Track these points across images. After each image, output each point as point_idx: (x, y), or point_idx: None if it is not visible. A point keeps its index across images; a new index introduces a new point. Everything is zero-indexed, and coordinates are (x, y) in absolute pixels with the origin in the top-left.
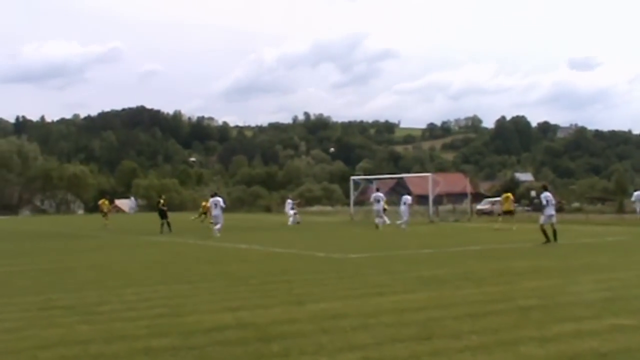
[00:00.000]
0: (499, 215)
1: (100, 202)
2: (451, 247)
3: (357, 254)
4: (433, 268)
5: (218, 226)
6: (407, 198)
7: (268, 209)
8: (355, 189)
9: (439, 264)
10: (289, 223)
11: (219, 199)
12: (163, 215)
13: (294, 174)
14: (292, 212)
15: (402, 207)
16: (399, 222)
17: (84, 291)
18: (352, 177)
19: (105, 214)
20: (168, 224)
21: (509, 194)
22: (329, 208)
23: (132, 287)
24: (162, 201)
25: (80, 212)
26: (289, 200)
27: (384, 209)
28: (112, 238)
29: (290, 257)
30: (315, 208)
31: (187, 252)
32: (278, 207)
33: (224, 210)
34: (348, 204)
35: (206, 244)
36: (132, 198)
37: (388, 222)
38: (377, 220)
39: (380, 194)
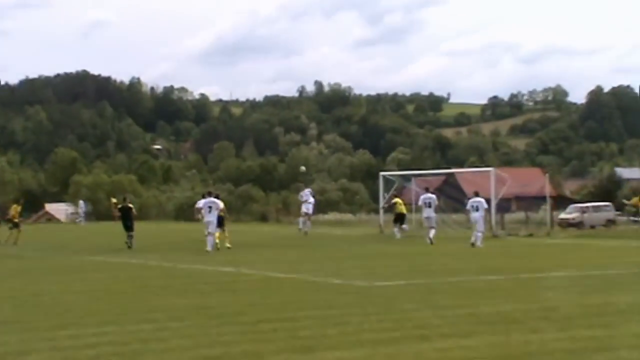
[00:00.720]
0: None
1: (13, 207)
2: (523, 273)
3: (388, 280)
4: (497, 302)
5: (210, 238)
6: (430, 197)
7: (264, 218)
8: (387, 189)
9: (505, 296)
10: (300, 227)
11: (216, 200)
12: (128, 222)
13: (301, 166)
14: (311, 202)
15: (476, 215)
16: (474, 236)
17: None
18: (382, 173)
19: (14, 225)
20: (130, 236)
21: None
22: (349, 216)
23: (68, 328)
24: (129, 204)
25: None
26: (307, 191)
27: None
28: (41, 258)
29: (294, 285)
30: (331, 216)
31: (149, 277)
32: (277, 214)
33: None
34: (376, 211)
35: (175, 266)
36: (82, 202)
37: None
38: (430, 233)
39: (432, 196)
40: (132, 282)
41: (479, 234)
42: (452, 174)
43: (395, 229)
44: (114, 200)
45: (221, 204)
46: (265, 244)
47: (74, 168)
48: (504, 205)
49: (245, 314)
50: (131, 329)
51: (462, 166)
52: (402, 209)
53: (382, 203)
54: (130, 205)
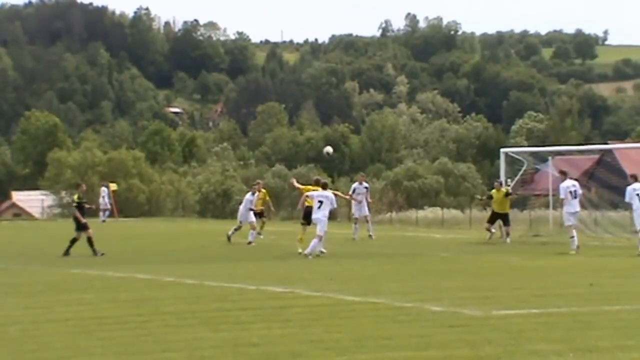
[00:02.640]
0: None
1: None
2: None
3: (513, 308)
4: None
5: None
6: (574, 185)
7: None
8: (513, 172)
9: None
10: (354, 236)
11: (327, 193)
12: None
13: (385, 138)
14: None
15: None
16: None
17: None
18: (505, 150)
19: None
20: (74, 240)
21: None
22: (454, 212)
23: None
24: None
25: None
26: (361, 184)
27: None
28: (4, 272)
29: (373, 314)
30: (428, 212)
31: (163, 300)
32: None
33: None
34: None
35: (201, 284)
36: (105, 188)
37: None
38: (572, 239)
39: (575, 183)
40: (138, 307)
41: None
42: (609, 151)
43: (501, 233)
44: (113, 186)
45: (333, 200)
46: (330, 253)
47: (54, 140)
48: None
49: (302, 355)
50: None
51: (625, 139)
52: (503, 205)
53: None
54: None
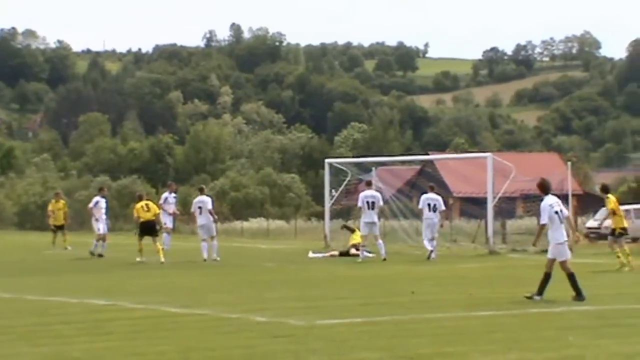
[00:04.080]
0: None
1: None
2: (532, 307)
3: (337, 317)
4: (494, 350)
5: (205, 245)
6: (373, 196)
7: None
8: (337, 183)
9: (509, 341)
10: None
11: (206, 198)
12: None
13: (209, 149)
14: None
15: (433, 217)
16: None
17: None
18: (329, 160)
19: None
20: None
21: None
22: (279, 223)
23: None
24: None
25: None
26: (170, 194)
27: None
28: None
29: (198, 325)
30: (252, 223)
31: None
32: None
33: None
34: (319, 215)
35: (21, 297)
36: None
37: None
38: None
39: (376, 194)
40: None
41: (434, 243)
42: (430, 162)
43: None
44: None
45: (209, 203)
46: (153, 265)
47: None
48: (506, 208)
49: None
50: None
51: (444, 149)
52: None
53: (327, 203)
54: None
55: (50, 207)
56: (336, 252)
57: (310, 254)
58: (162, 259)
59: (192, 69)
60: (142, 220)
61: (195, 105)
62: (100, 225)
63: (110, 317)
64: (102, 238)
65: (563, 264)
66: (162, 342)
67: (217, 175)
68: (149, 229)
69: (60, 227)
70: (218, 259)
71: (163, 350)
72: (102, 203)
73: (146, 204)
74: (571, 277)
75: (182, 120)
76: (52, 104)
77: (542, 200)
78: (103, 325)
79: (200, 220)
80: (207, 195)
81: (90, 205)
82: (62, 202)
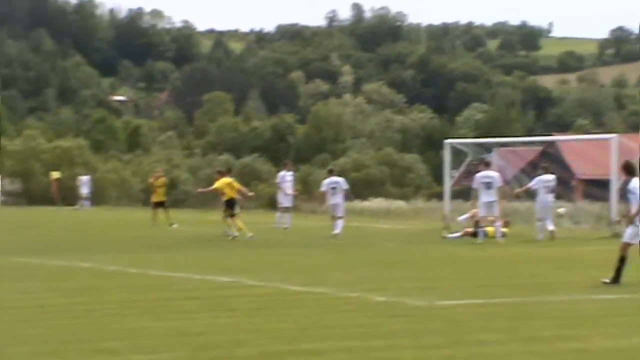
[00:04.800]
0: None
1: None
2: None
3: (456, 299)
4: (617, 333)
5: (339, 227)
6: (490, 176)
7: (275, 203)
8: (456, 164)
9: (629, 325)
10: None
11: (340, 179)
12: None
13: (330, 128)
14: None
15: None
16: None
17: None
18: (449, 141)
19: None
20: None
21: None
22: (399, 203)
23: None
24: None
25: None
26: (287, 173)
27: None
28: None
29: (317, 303)
30: (372, 203)
31: (106, 289)
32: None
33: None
34: (439, 196)
35: (146, 273)
36: (85, 178)
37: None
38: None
39: (494, 174)
40: (81, 296)
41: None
42: (552, 143)
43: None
44: (55, 175)
45: (342, 183)
46: (276, 243)
47: None
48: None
49: (246, 344)
50: None
51: (568, 131)
52: None
53: (447, 183)
54: None
55: (150, 182)
56: (470, 229)
57: (445, 234)
58: (236, 233)
59: (313, 49)
60: (226, 197)
61: (317, 85)
62: (285, 199)
63: (232, 294)
64: (286, 211)
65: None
66: (282, 319)
67: (337, 154)
68: (233, 206)
69: (160, 204)
70: (338, 235)
71: (283, 327)
72: (288, 176)
73: (232, 182)
74: (622, 261)
75: (304, 99)
76: (178, 82)
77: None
78: (225, 301)
79: (333, 199)
80: (339, 176)
81: (277, 180)
82: (162, 179)
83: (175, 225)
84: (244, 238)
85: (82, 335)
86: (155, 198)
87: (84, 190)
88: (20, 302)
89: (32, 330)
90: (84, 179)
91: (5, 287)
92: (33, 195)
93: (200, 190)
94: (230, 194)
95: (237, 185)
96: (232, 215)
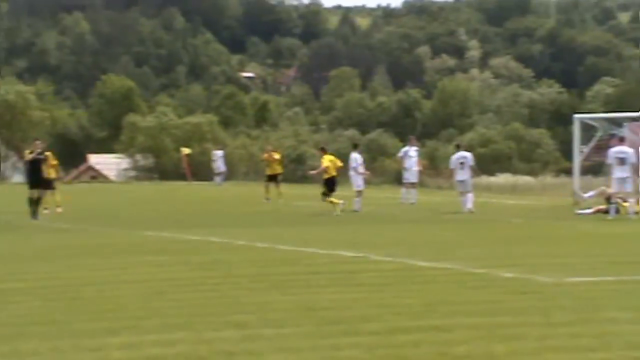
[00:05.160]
0: None
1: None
2: None
3: (586, 275)
4: None
5: (470, 202)
6: (624, 152)
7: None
8: (586, 139)
9: None
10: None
11: (468, 154)
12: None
13: (457, 104)
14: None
15: None
16: None
17: None
18: (578, 116)
19: (45, 184)
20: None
21: None
22: (526, 179)
23: (120, 333)
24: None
25: (18, 178)
26: (411, 148)
27: None
28: (81, 234)
29: (444, 279)
30: (500, 178)
31: (235, 263)
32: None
33: None
34: (568, 172)
35: (274, 247)
36: (218, 152)
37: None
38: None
39: (628, 151)
40: (211, 270)
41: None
42: None
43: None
44: (185, 150)
45: (469, 158)
46: (401, 218)
47: (129, 104)
48: None
49: (372, 319)
50: (208, 336)
51: None
52: None
53: (577, 159)
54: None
55: (265, 157)
56: (603, 207)
57: (577, 210)
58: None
59: (440, 24)
60: (328, 176)
61: (443, 60)
62: (411, 174)
63: (359, 269)
64: (412, 186)
65: None
66: (408, 295)
67: (464, 130)
68: (333, 185)
69: (273, 178)
70: (473, 210)
71: (409, 303)
72: (412, 152)
73: (334, 159)
74: None
75: (430, 74)
76: (305, 59)
77: None
78: (351, 276)
79: (461, 175)
80: (467, 151)
81: (400, 154)
82: (276, 154)
83: (281, 202)
84: (333, 213)
85: (211, 309)
86: (269, 171)
87: (219, 165)
88: (151, 276)
89: (163, 303)
90: (218, 153)
91: (138, 260)
92: (165, 170)
93: (312, 172)
94: (332, 171)
95: (338, 162)
96: (327, 195)
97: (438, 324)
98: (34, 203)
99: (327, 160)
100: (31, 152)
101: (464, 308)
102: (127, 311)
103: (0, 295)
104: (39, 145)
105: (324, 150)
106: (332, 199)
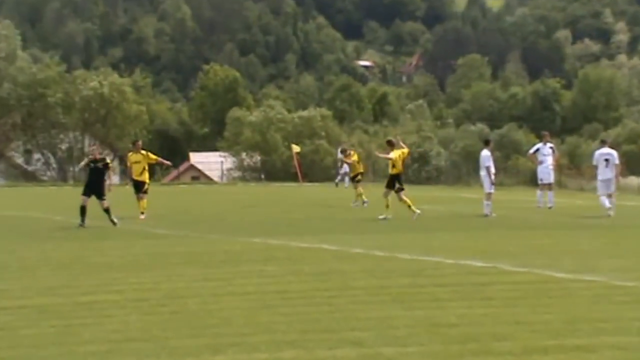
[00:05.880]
0: None
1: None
2: None
3: None
4: None
5: (604, 200)
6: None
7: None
8: None
9: None
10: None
11: (613, 151)
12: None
13: (601, 94)
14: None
15: None
16: None
17: None
18: None
19: (138, 187)
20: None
21: None
22: None
23: (224, 351)
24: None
25: (115, 179)
26: (545, 145)
27: None
28: (182, 240)
29: (589, 293)
30: None
31: (352, 274)
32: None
33: None
34: None
35: (393, 256)
36: (340, 150)
37: None
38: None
39: None
40: (324, 281)
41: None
42: None
43: None
44: (296, 148)
45: (615, 156)
46: (536, 224)
47: (234, 96)
48: None
49: (506, 337)
50: (322, 355)
51: None
52: None
53: None
54: (106, 160)
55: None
56: None
57: None
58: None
59: (583, 4)
60: (396, 171)
61: (586, 45)
62: (546, 174)
63: (489, 281)
64: (547, 188)
65: None
66: (546, 310)
67: (609, 124)
68: (399, 182)
69: (352, 178)
70: (611, 214)
71: (548, 320)
72: (547, 149)
73: (403, 153)
74: None
75: (571, 62)
76: (428, 45)
77: None
78: (481, 289)
79: (604, 174)
80: (612, 148)
81: (531, 151)
82: (355, 154)
83: (360, 203)
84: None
85: (325, 324)
86: (353, 172)
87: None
88: (259, 287)
89: (272, 318)
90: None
91: (244, 270)
92: (273, 170)
93: (378, 154)
94: (399, 167)
95: (406, 152)
96: (398, 191)
97: (580, 344)
98: (83, 211)
99: (397, 154)
100: (92, 161)
101: (610, 326)
102: (232, 326)
103: (93, 308)
104: (94, 151)
105: (390, 144)
106: (408, 201)
